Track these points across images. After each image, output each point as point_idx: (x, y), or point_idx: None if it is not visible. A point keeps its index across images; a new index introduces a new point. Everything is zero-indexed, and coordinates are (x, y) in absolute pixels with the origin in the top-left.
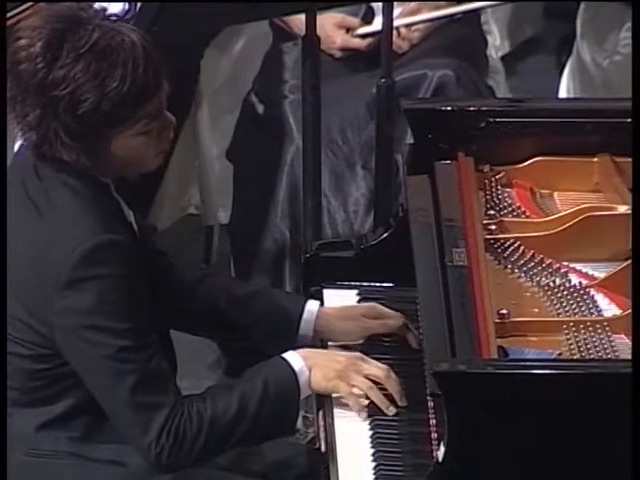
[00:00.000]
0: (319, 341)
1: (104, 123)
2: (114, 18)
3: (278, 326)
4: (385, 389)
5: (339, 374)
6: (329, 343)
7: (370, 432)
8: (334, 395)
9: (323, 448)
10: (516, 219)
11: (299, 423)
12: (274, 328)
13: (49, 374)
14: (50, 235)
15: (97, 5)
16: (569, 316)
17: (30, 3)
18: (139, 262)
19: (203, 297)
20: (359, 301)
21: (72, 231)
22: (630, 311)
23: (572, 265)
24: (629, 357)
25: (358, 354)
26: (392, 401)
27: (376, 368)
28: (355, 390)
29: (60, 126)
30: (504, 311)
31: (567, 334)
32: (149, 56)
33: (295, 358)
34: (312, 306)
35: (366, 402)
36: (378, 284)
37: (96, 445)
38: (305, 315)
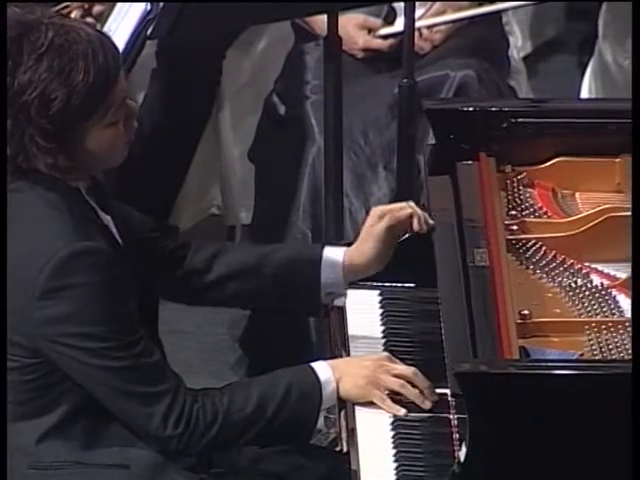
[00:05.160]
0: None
1: (77, 118)
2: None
3: (300, 272)
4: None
5: (369, 379)
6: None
7: (392, 432)
8: None
9: (345, 449)
10: (538, 220)
11: (321, 424)
12: (296, 275)
13: (39, 384)
14: (23, 246)
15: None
16: (591, 317)
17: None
18: (119, 264)
19: (218, 268)
20: (381, 301)
21: (45, 241)
22: None
23: (594, 266)
24: None
25: (385, 354)
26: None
27: (404, 367)
28: (387, 391)
29: (35, 130)
30: (526, 311)
31: (589, 335)
32: (105, 44)
33: (323, 368)
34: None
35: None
36: (400, 284)
37: (97, 450)
38: (326, 255)
